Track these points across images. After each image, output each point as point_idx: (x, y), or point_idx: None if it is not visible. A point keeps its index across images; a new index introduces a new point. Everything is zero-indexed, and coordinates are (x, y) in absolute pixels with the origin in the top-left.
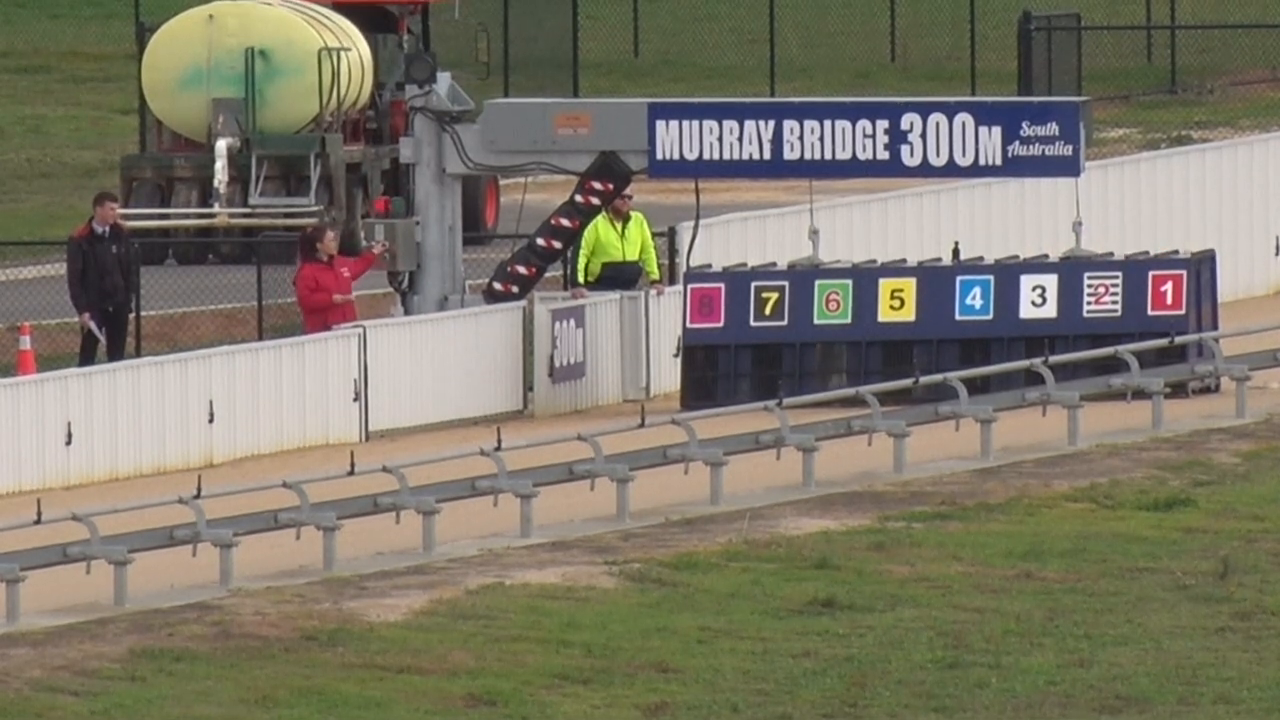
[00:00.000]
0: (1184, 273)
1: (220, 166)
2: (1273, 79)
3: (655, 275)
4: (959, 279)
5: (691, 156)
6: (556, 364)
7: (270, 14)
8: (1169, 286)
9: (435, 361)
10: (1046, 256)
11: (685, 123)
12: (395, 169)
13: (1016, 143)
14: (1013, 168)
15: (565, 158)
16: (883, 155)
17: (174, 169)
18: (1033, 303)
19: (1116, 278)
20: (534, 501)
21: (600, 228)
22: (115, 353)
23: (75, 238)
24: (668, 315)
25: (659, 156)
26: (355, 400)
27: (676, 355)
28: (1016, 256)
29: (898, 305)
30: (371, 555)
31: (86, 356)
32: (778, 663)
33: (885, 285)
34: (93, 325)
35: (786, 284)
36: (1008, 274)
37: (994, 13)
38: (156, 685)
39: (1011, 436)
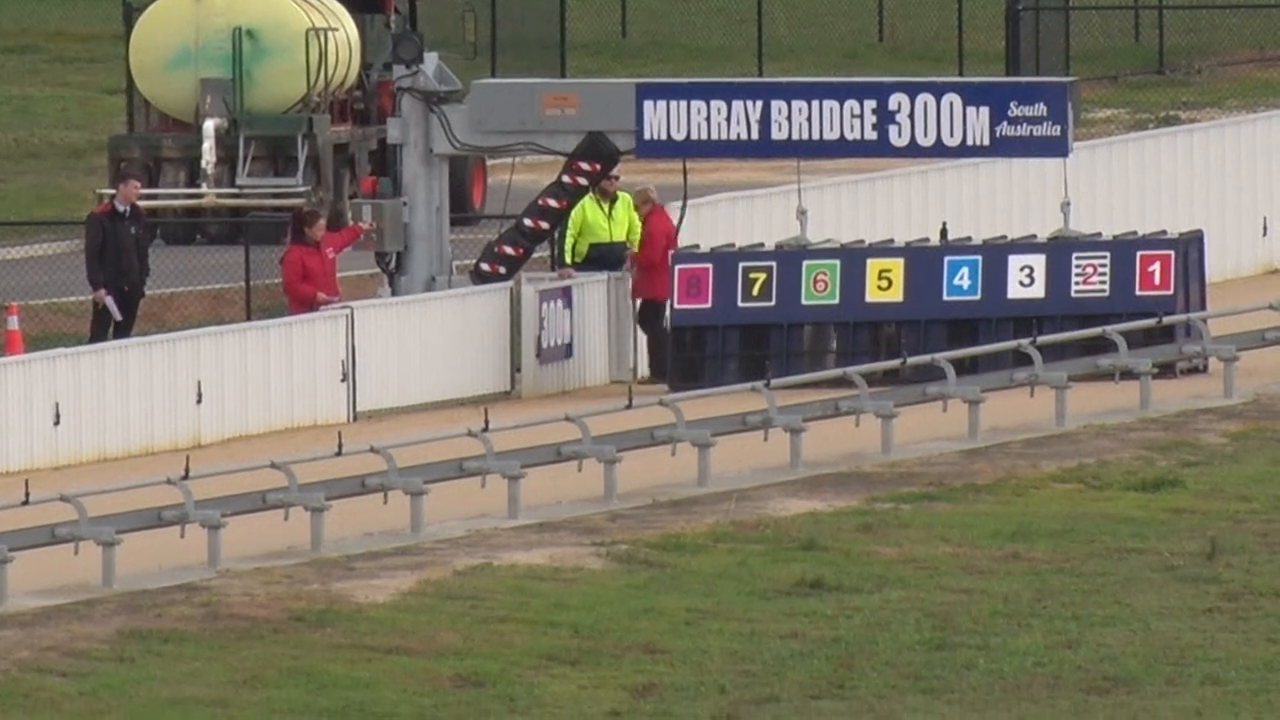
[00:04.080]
0: (1172, 253)
1: (208, 147)
2: (1260, 59)
3: None
4: (947, 259)
5: (679, 137)
6: (544, 345)
7: None
8: (1157, 267)
9: (423, 342)
10: (1034, 237)
11: (673, 103)
12: (383, 149)
13: (1004, 123)
14: (1001, 148)
15: (553, 138)
16: (870, 135)
17: (161, 149)
18: (1020, 283)
19: (1104, 258)
20: (521, 482)
21: (587, 208)
22: (124, 332)
23: (96, 214)
24: None
25: (647, 137)
26: (343, 381)
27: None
28: (1004, 237)
29: (886, 286)
30: (359, 536)
31: (98, 333)
32: (765, 644)
33: (873, 266)
34: (109, 301)
35: (774, 264)
36: (996, 254)
37: None
38: (145, 666)
39: (999, 417)
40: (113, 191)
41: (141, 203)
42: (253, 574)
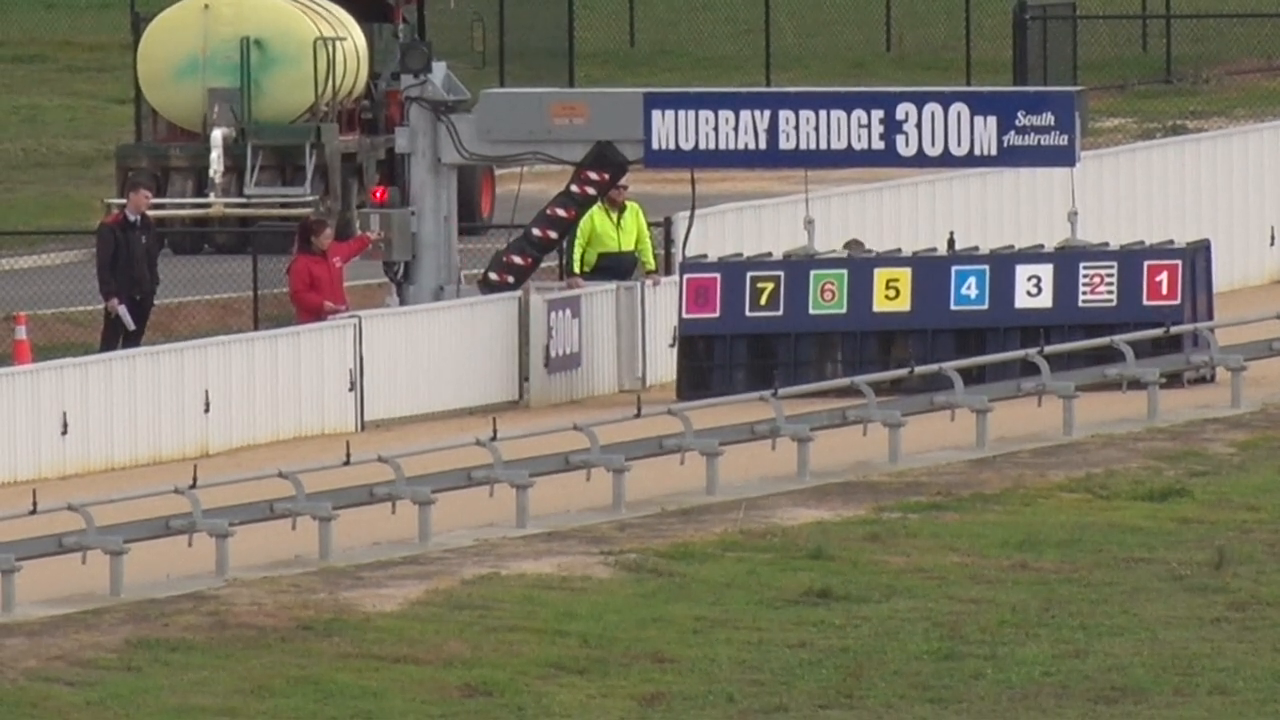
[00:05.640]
0: (1179, 263)
1: (215, 156)
2: (1267, 68)
3: (651, 265)
4: (954, 269)
5: (687, 146)
6: (552, 354)
7: (265, 3)
8: (1164, 276)
9: (431, 352)
10: (1042, 246)
11: (681, 113)
12: (391, 159)
13: (1012, 132)
14: (1008, 157)
15: (561, 148)
16: (878, 145)
17: (169, 159)
18: (1028, 293)
19: (1112, 268)
20: (530, 492)
21: (596, 218)
22: (134, 342)
23: (108, 224)
24: (663, 305)
25: (655, 146)
26: (351, 390)
27: (672, 345)
28: (1012, 246)
29: (893, 295)
30: (367, 545)
31: (109, 343)
32: (773, 653)
33: (880, 275)
34: (122, 311)
35: (782, 274)
36: (1003, 264)
37: (989, 2)
38: (152, 675)
39: (1007, 426)
40: (121, 201)
41: (149, 212)
42: (260, 583)
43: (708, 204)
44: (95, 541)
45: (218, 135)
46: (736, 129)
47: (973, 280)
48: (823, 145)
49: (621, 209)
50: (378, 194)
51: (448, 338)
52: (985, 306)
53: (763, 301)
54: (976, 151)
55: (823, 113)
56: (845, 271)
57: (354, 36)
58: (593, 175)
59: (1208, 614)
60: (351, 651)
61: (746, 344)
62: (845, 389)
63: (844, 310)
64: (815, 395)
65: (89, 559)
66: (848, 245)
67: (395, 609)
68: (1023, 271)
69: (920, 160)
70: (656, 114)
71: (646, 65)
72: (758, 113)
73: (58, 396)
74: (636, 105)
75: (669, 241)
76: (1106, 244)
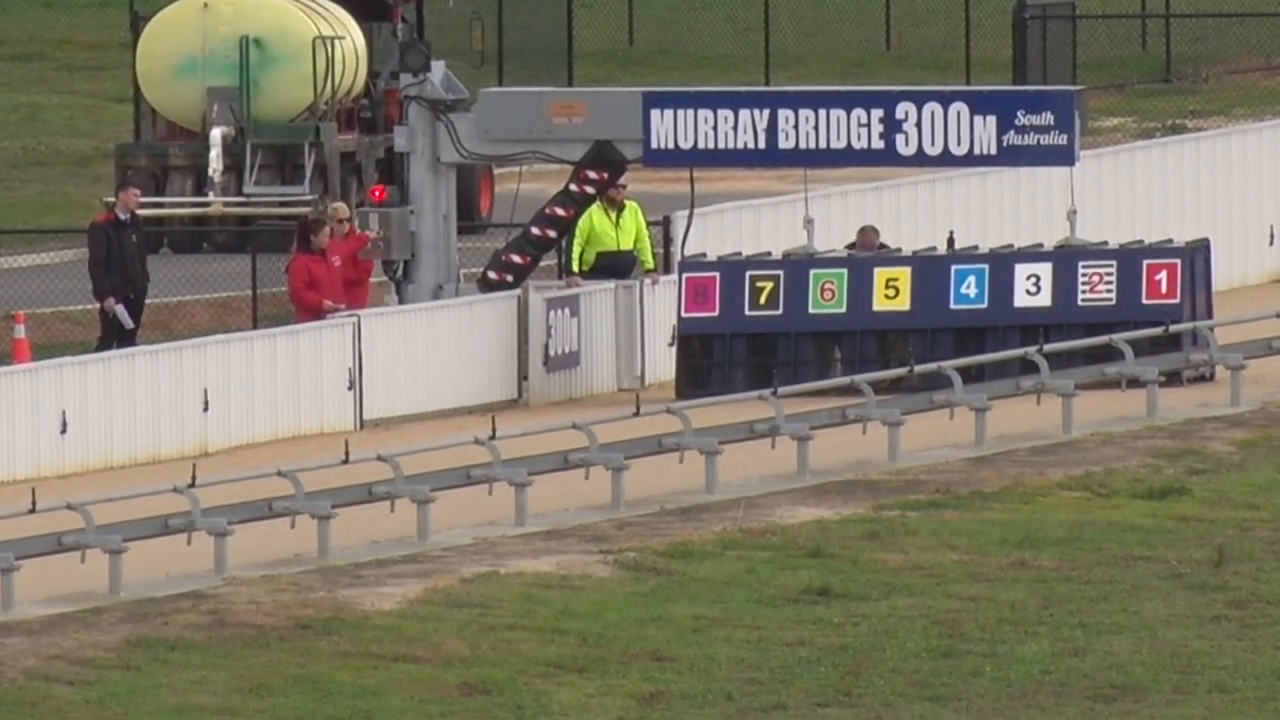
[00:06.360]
0: (1178, 262)
1: (215, 155)
2: (1267, 67)
3: (650, 264)
4: (954, 268)
5: (686, 145)
6: (551, 353)
7: (265, 2)
8: (1163, 275)
9: (430, 350)
10: (1041, 245)
11: (680, 112)
12: (390, 158)
13: (1011, 132)
14: (1008, 157)
15: (560, 147)
16: (878, 144)
17: (168, 158)
18: (1027, 291)
19: (1111, 267)
20: (529, 490)
21: (595, 217)
22: (130, 340)
23: (99, 223)
24: (663, 304)
25: (654, 145)
26: (350, 389)
27: (671, 344)
28: (1011, 245)
29: (893, 294)
30: (366, 544)
31: (106, 343)
32: (772, 651)
33: (880, 274)
34: (120, 310)
35: (781, 273)
36: (1002, 263)
37: (989, 1)
38: (151, 674)
39: (1006, 425)
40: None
41: (149, 211)
42: (259, 582)
43: (707, 203)
44: (94, 540)
45: (217, 134)
46: (736, 128)
47: (972, 279)
48: (822, 144)
49: (620, 208)
50: (377, 193)
51: (447, 337)
52: (985, 305)
53: (762, 300)
54: (976, 151)
55: (822, 112)
56: (845, 271)
57: (353, 35)
58: (592, 174)
59: (1207, 612)
60: (350, 650)
61: (746, 343)
62: (845, 388)
63: (843, 309)
64: (815, 394)
65: (88, 558)
66: (861, 232)
67: (394, 607)
68: (1022, 270)
69: (920, 159)
70: (655, 113)
71: (645, 64)
72: (757, 112)
73: (57, 395)
74: (635, 104)
75: (668, 240)
76: (1106, 243)
